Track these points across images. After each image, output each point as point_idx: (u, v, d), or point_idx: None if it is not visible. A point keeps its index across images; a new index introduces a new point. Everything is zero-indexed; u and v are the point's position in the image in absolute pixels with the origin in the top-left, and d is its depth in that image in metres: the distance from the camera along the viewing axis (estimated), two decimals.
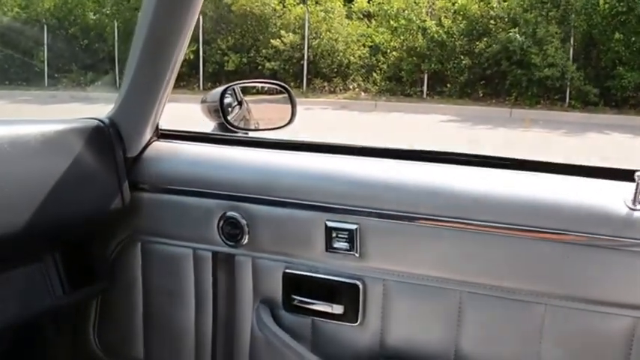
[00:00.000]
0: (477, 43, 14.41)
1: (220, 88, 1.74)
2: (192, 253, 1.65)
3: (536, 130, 11.36)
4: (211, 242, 1.62)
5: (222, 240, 1.60)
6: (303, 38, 15.87)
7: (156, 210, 1.67)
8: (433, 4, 15.44)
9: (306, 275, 1.54)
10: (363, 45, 15.98)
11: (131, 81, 1.59)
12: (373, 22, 16.34)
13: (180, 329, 1.71)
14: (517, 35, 13.60)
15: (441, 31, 14.84)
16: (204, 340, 1.69)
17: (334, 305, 1.52)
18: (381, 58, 15.60)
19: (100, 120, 1.63)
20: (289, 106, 1.81)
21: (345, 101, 14.64)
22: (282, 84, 1.86)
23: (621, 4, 13.36)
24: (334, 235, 1.48)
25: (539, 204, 1.33)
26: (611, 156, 7.74)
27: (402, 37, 15.31)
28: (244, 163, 1.60)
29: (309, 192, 1.50)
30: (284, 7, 16.68)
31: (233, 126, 1.74)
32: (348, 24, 16.27)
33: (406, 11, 15.19)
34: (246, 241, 1.57)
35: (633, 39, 13.39)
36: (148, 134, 1.68)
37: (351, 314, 1.51)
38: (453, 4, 15.10)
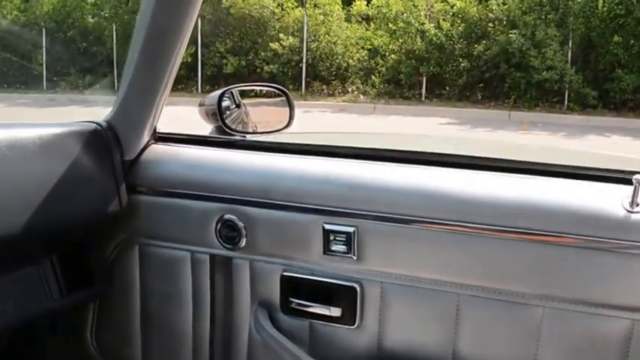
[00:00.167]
0: (476, 45, 14.44)
1: (218, 92, 1.74)
2: (189, 256, 1.65)
3: (535, 133, 11.37)
4: (209, 245, 1.62)
5: (220, 243, 1.60)
6: (301, 41, 15.89)
7: (153, 213, 1.67)
8: (432, 6, 15.47)
9: (303, 278, 1.54)
10: (362, 48, 16.01)
11: (129, 84, 1.59)
12: (372, 25, 16.37)
13: (177, 332, 1.71)
14: (516, 36, 13.61)
15: (439, 34, 14.86)
16: (202, 342, 1.69)
17: (332, 308, 1.52)
18: (380, 61, 15.63)
19: (97, 123, 1.63)
20: (287, 109, 1.81)
21: (344, 104, 14.66)
22: (281, 87, 1.86)
23: (620, 7, 13.40)
24: (332, 237, 1.48)
25: (537, 206, 1.33)
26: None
27: (400, 40, 15.33)
28: (242, 166, 1.61)
29: (306, 195, 1.50)
30: (282, 10, 16.71)
31: (231, 129, 1.74)
32: (347, 27, 16.30)
33: (405, 14, 15.21)
34: (243, 244, 1.57)
35: (632, 42, 13.42)
36: (146, 137, 1.68)
37: (349, 317, 1.51)
38: (452, 7, 15.13)
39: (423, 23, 15.09)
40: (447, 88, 14.77)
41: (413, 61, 14.98)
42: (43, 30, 17.76)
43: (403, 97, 14.97)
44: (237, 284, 1.63)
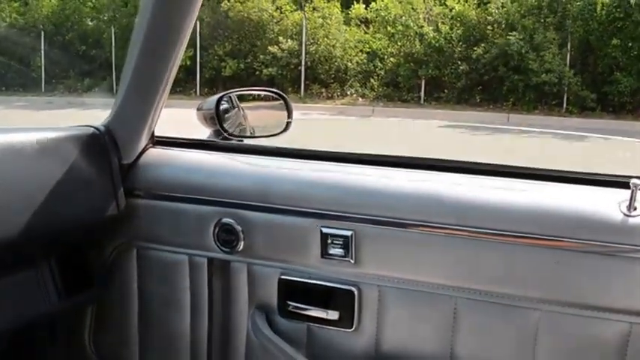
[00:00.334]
0: (475, 48, 14.46)
1: (216, 96, 1.74)
2: (187, 260, 1.66)
3: (533, 135, 11.38)
4: (207, 249, 1.62)
5: (218, 246, 1.60)
6: (300, 44, 15.91)
7: (151, 216, 1.67)
8: (430, 10, 15.50)
9: (301, 281, 1.54)
10: (361, 51, 16.03)
11: (127, 88, 1.60)
12: (371, 28, 16.40)
13: (175, 335, 1.71)
14: (515, 39, 13.63)
15: (438, 37, 14.89)
16: (200, 346, 1.70)
17: (329, 311, 1.52)
18: (379, 64, 15.65)
19: (95, 127, 1.63)
20: (285, 114, 1.81)
21: (343, 107, 14.67)
22: (279, 92, 1.87)
23: (618, 10, 13.43)
24: (329, 241, 1.48)
25: (534, 211, 1.34)
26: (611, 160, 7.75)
27: (399, 43, 15.36)
28: (240, 170, 1.61)
29: (304, 199, 1.50)
30: (281, 13, 16.74)
31: (229, 133, 1.75)
32: (346, 30, 16.33)
33: (403, 17, 15.24)
34: (241, 247, 1.57)
35: (630, 44, 13.46)
36: (144, 141, 1.69)
37: (347, 320, 1.51)
38: (451, 11, 15.16)
39: (422, 26, 15.11)
40: (446, 90, 14.79)
41: (412, 64, 15.00)
42: (42, 33, 17.77)
43: (402, 100, 14.99)
44: (234, 287, 1.64)
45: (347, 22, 16.57)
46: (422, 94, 14.98)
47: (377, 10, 15.82)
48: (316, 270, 1.52)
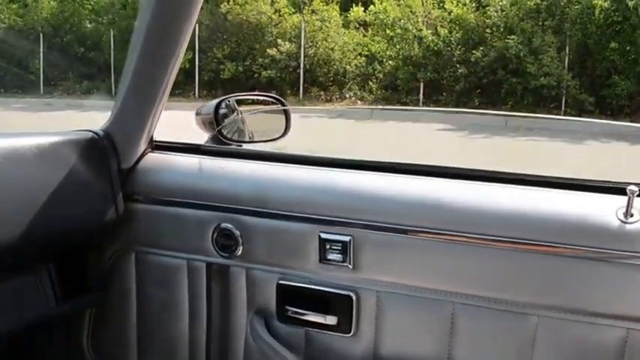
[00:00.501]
0: (473, 52, 14.46)
1: (215, 101, 1.75)
2: (186, 264, 1.66)
3: (532, 138, 11.38)
4: (205, 253, 1.62)
5: (216, 251, 1.60)
6: (299, 47, 15.91)
7: (150, 221, 1.68)
8: (429, 13, 15.50)
9: (299, 286, 1.55)
10: (360, 54, 16.03)
11: (126, 93, 1.60)
12: (369, 31, 16.40)
13: (174, 340, 1.71)
14: (513, 42, 13.65)
15: (437, 40, 14.89)
16: (198, 350, 1.70)
17: (328, 316, 1.53)
18: (378, 67, 15.65)
19: (94, 132, 1.64)
20: (284, 118, 1.81)
21: (342, 109, 14.66)
22: (278, 97, 1.87)
23: (616, 13, 13.45)
24: (328, 246, 1.48)
25: (532, 217, 1.34)
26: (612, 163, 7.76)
27: (398, 46, 15.36)
28: (238, 175, 1.61)
29: (302, 204, 1.51)
30: (280, 16, 16.73)
31: (227, 138, 1.75)
32: (345, 33, 16.32)
33: (402, 20, 15.24)
34: (240, 252, 1.58)
35: (628, 48, 13.47)
36: (143, 146, 1.69)
37: (345, 325, 1.52)
38: (449, 14, 15.16)
39: (421, 29, 15.12)
40: (445, 93, 14.79)
41: (410, 67, 15.00)
42: (41, 35, 17.77)
43: (401, 103, 14.99)
44: (233, 292, 1.64)
45: (346, 25, 16.57)
46: (421, 97, 14.97)
47: (376, 13, 15.82)
48: (315, 275, 1.53)
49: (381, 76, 15.55)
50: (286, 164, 1.62)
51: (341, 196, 1.49)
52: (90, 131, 1.64)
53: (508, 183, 1.44)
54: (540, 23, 14.11)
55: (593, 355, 1.33)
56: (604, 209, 1.31)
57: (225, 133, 1.76)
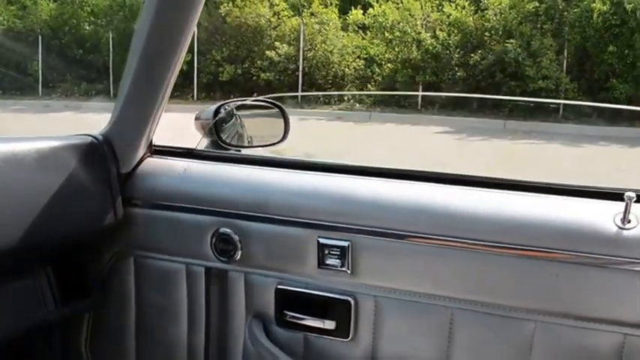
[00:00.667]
0: (472, 55, 14.48)
1: (214, 106, 1.75)
2: (184, 269, 1.66)
3: (530, 142, 11.39)
4: (204, 258, 1.63)
5: (215, 256, 1.61)
6: (298, 50, 15.92)
7: (149, 225, 1.68)
8: (428, 16, 15.52)
9: (298, 291, 1.55)
10: (358, 57, 16.03)
11: (125, 98, 1.60)
12: (368, 34, 16.40)
13: (172, 344, 1.71)
14: (512, 45, 13.66)
15: (435, 44, 14.91)
16: (197, 354, 1.70)
17: (326, 321, 1.53)
18: (376, 70, 15.66)
19: (94, 137, 1.64)
20: (282, 123, 1.82)
21: (340, 112, 14.66)
22: (277, 102, 1.87)
23: (615, 17, 13.47)
24: (326, 251, 1.49)
25: (530, 223, 1.35)
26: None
27: (396, 49, 15.37)
28: (237, 180, 1.62)
29: (301, 209, 1.51)
30: (279, 18, 16.73)
31: (226, 143, 1.76)
32: (343, 36, 16.33)
33: (401, 23, 15.26)
34: (238, 257, 1.58)
35: (626, 51, 13.49)
36: (142, 150, 1.69)
37: (343, 330, 1.52)
38: (448, 17, 15.17)
39: (420, 33, 15.13)
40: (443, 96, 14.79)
41: (409, 70, 15.01)
42: (39, 37, 17.76)
43: (399, 106, 14.99)
44: (232, 297, 1.64)
45: (344, 28, 16.57)
46: (419, 99, 14.98)
47: (375, 16, 15.83)
48: (313, 280, 1.53)
49: (379, 78, 15.56)
50: (285, 169, 1.62)
51: (340, 201, 1.49)
52: (89, 136, 1.64)
53: (506, 189, 1.45)
54: (539, 26, 14.13)
55: None
56: (601, 215, 1.32)
57: (224, 138, 1.76)
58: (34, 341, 1.77)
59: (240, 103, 1.90)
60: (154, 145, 1.74)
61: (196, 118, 1.79)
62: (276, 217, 1.53)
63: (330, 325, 1.53)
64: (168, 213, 1.64)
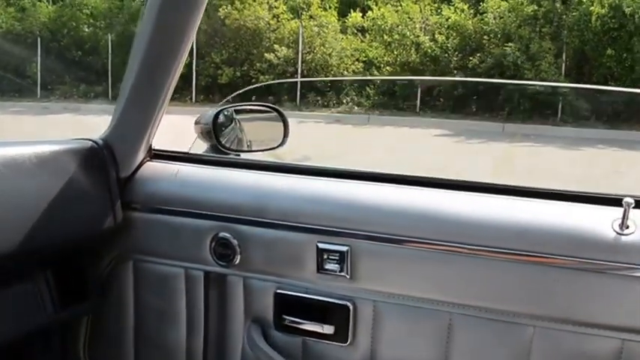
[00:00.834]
0: (471, 58, 14.49)
1: (214, 111, 1.76)
2: (183, 273, 1.66)
3: (528, 145, 11.40)
4: (203, 262, 1.63)
5: (214, 260, 1.61)
6: (296, 52, 15.92)
7: (148, 229, 1.68)
8: (427, 19, 15.53)
9: (297, 295, 1.55)
10: (357, 60, 16.03)
11: (126, 102, 1.61)
12: (367, 36, 16.41)
13: (171, 348, 1.71)
14: (511, 49, 13.68)
15: (434, 47, 14.92)
16: (195, 358, 1.70)
17: (325, 325, 1.53)
18: (375, 73, 15.65)
19: (93, 141, 1.64)
20: (282, 128, 1.82)
21: (339, 115, 14.66)
22: (276, 107, 1.88)
23: (613, 20, 13.48)
24: (325, 256, 1.49)
25: (528, 229, 1.35)
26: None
27: (395, 52, 15.38)
28: (237, 185, 1.62)
29: (300, 214, 1.51)
30: (278, 21, 16.73)
31: (225, 148, 1.76)
32: (342, 39, 16.32)
33: (400, 26, 15.27)
34: (237, 261, 1.58)
35: (625, 55, 13.50)
36: (141, 154, 1.70)
37: (342, 334, 1.52)
38: (447, 20, 15.19)
39: (418, 36, 15.14)
40: (442, 99, 14.80)
41: (408, 73, 15.02)
42: (39, 39, 17.75)
43: (398, 109, 14.99)
44: (230, 301, 1.64)
45: (343, 31, 16.57)
46: (418, 102, 14.99)
47: (373, 19, 15.84)
48: (312, 285, 1.53)
49: (378, 81, 15.55)
50: (284, 174, 1.63)
51: (339, 206, 1.50)
52: (89, 140, 1.65)
53: (504, 194, 1.45)
54: (538, 30, 14.14)
55: None
56: (600, 221, 1.32)
57: (223, 142, 1.77)
58: (33, 345, 1.76)
59: (240, 107, 1.90)
60: (154, 150, 1.74)
61: (196, 123, 1.80)
62: (276, 221, 1.53)
63: (328, 329, 1.53)
64: (168, 217, 1.65)
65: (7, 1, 18.71)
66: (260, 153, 1.89)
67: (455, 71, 14.62)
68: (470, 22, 14.91)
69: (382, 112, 14.81)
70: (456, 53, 14.85)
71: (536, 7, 14.32)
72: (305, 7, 16.65)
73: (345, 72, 15.85)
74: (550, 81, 13.49)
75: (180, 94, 15.91)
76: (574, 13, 14.01)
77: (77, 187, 1.57)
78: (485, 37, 14.70)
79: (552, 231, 1.33)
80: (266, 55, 16.02)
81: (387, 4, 16.03)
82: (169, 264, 1.67)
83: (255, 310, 1.61)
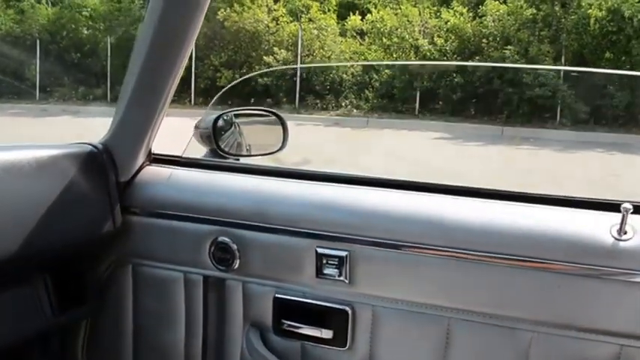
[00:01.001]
0: (470, 61, 14.50)
1: (213, 115, 1.76)
2: (182, 277, 1.67)
3: (527, 148, 11.41)
4: (202, 266, 1.63)
5: (213, 264, 1.61)
6: (296, 55, 15.92)
7: (147, 234, 1.68)
8: (426, 22, 15.54)
9: (296, 300, 1.55)
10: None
11: (126, 107, 1.61)
12: (366, 39, 16.41)
13: (169, 352, 1.71)
14: (510, 52, 13.70)
15: (433, 50, 14.93)
16: None
17: (323, 330, 1.53)
18: (374, 76, 15.66)
19: (93, 145, 1.65)
20: (281, 131, 1.83)
21: (338, 118, 14.66)
22: (275, 112, 1.89)
23: (611, 24, 13.50)
24: (324, 261, 1.49)
25: (528, 234, 1.35)
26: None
27: (394, 55, 15.38)
28: (236, 190, 1.62)
29: (300, 219, 1.52)
30: (277, 24, 16.74)
31: (225, 152, 1.77)
32: (341, 41, 16.33)
33: (399, 29, 15.28)
34: (237, 265, 1.58)
35: (623, 58, 13.52)
36: (141, 159, 1.70)
37: (340, 339, 1.52)
38: (446, 23, 15.20)
39: (417, 39, 15.15)
40: (441, 102, 14.81)
41: (407, 75, 15.02)
42: (37, 41, 17.75)
43: (396, 112, 15.00)
44: (229, 305, 1.64)
45: (343, 34, 16.58)
46: (417, 105, 14.99)
47: (373, 22, 15.85)
48: (311, 289, 1.53)
49: (377, 84, 15.56)
50: (284, 179, 1.63)
51: (338, 211, 1.50)
52: (89, 144, 1.65)
53: (502, 200, 1.46)
54: (537, 33, 14.16)
55: None
56: (598, 226, 1.32)
57: (223, 146, 1.77)
58: (32, 349, 1.76)
59: (239, 112, 1.90)
60: (153, 154, 1.74)
61: (196, 127, 1.80)
62: (275, 226, 1.54)
63: (327, 334, 1.53)
64: (167, 221, 1.65)
65: (6, 3, 18.71)
66: (259, 157, 1.89)
67: (454, 74, 14.63)
68: (469, 25, 14.93)
69: (381, 115, 14.82)
70: (455, 56, 14.86)
71: (535, 11, 14.34)
72: (304, 9, 16.67)
73: (344, 75, 15.86)
74: (550, 85, 13.51)
75: (179, 96, 15.90)
76: (573, 17, 14.02)
77: (77, 191, 1.57)
78: (484, 40, 14.71)
79: (550, 237, 1.34)
80: (265, 57, 16.02)
81: (386, 7, 16.04)
82: (168, 268, 1.67)
83: (254, 314, 1.61)
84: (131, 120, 1.64)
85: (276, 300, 1.57)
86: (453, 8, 15.28)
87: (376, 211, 1.47)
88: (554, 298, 1.33)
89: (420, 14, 15.57)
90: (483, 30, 14.78)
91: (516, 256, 1.34)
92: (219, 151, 1.75)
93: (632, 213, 1.29)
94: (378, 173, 1.65)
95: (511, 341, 1.38)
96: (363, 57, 16.08)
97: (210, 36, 16.66)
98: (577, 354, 1.34)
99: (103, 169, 1.63)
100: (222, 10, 16.68)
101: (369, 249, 1.46)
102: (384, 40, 15.60)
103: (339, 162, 7.38)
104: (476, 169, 7.92)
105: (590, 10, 13.73)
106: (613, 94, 13.16)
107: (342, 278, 1.49)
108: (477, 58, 14.44)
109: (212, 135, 1.73)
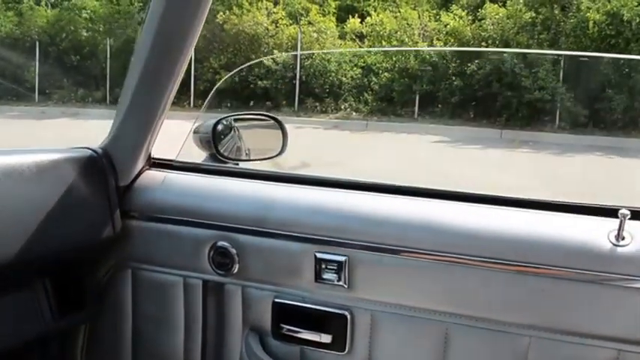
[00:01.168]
0: (469, 64, 14.50)
1: (213, 120, 1.76)
2: (182, 281, 1.67)
3: (526, 151, 11.42)
4: (202, 271, 1.63)
5: (213, 269, 1.61)
6: (295, 58, 15.93)
7: (147, 238, 1.68)
8: (425, 25, 15.57)
9: (295, 305, 1.56)
10: (355, 65, 16.04)
11: (125, 111, 1.61)
12: (366, 42, 16.43)
13: (169, 356, 1.71)
14: (509, 55, 13.71)
15: (432, 53, 14.94)
16: None
17: (322, 334, 1.54)
18: (373, 79, 15.67)
19: (93, 150, 1.65)
20: (280, 136, 1.83)
21: (337, 121, 14.67)
22: (275, 117, 1.89)
23: (610, 27, 13.53)
24: (323, 266, 1.50)
25: (525, 239, 1.36)
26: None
27: (394, 58, 15.39)
28: (236, 194, 1.62)
29: (299, 224, 1.52)
30: (277, 27, 16.76)
31: (224, 156, 1.77)
32: (341, 44, 16.36)
33: (398, 32, 15.31)
34: (236, 270, 1.59)
35: (622, 62, 13.53)
36: (141, 163, 1.70)
37: (339, 344, 1.53)
38: (445, 26, 15.23)
39: (417, 42, 15.18)
40: (440, 106, 14.82)
41: (406, 79, 15.03)
42: (37, 43, 17.75)
43: (396, 115, 15.01)
44: (229, 309, 1.65)
45: (342, 37, 16.61)
46: (416, 108, 15.00)
47: (372, 24, 15.88)
48: (310, 294, 1.54)
49: (376, 87, 15.57)
50: (283, 184, 1.63)
51: (337, 216, 1.50)
52: (88, 149, 1.65)
53: (501, 205, 1.46)
54: (536, 37, 14.19)
55: None
56: (596, 232, 1.33)
57: (222, 151, 1.77)
58: (32, 353, 1.76)
59: (239, 117, 1.91)
60: (153, 158, 1.75)
61: (195, 132, 1.80)
62: (274, 231, 1.54)
63: (326, 338, 1.53)
64: (166, 226, 1.65)
65: (6, 5, 18.72)
66: (259, 162, 1.89)
67: (453, 77, 14.64)
68: (468, 28, 14.96)
69: (380, 118, 14.83)
70: (454, 59, 14.87)
71: (534, 14, 14.37)
72: (304, 12, 16.69)
73: (344, 78, 15.87)
74: (549, 89, 13.53)
75: (179, 98, 15.88)
76: (572, 20, 14.06)
77: (76, 195, 1.58)
78: (483, 43, 14.74)
79: (548, 242, 1.34)
80: (264, 60, 16.03)
81: (385, 10, 16.07)
82: (168, 272, 1.68)
83: (253, 318, 1.61)
84: (131, 124, 1.64)
85: (275, 304, 1.57)
86: (452, 11, 15.32)
87: (375, 216, 1.48)
88: (552, 303, 1.34)
89: (419, 17, 15.61)
90: (482, 33, 14.81)
91: (515, 262, 1.35)
92: (218, 155, 1.76)
93: (629, 219, 1.30)
94: (376, 177, 1.65)
95: (509, 346, 1.39)
96: (362, 60, 16.10)
97: (210, 38, 16.68)
98: (574, 359, 1.34)
99: (102, 173, 1.64)
100: (222, 12, 16.70)
101: (367, 254, 1.46)
102: (384, 43, 15.62)
103: (338, 165, 7.38)
104: (476, 171, 7.93)
105: (589, 14, 13.76)
106: (612, 97, 13.17)
107: (340, 283, 1.49)
108: (476, 61, 14.45)
109: (212, 140, 1.74)
